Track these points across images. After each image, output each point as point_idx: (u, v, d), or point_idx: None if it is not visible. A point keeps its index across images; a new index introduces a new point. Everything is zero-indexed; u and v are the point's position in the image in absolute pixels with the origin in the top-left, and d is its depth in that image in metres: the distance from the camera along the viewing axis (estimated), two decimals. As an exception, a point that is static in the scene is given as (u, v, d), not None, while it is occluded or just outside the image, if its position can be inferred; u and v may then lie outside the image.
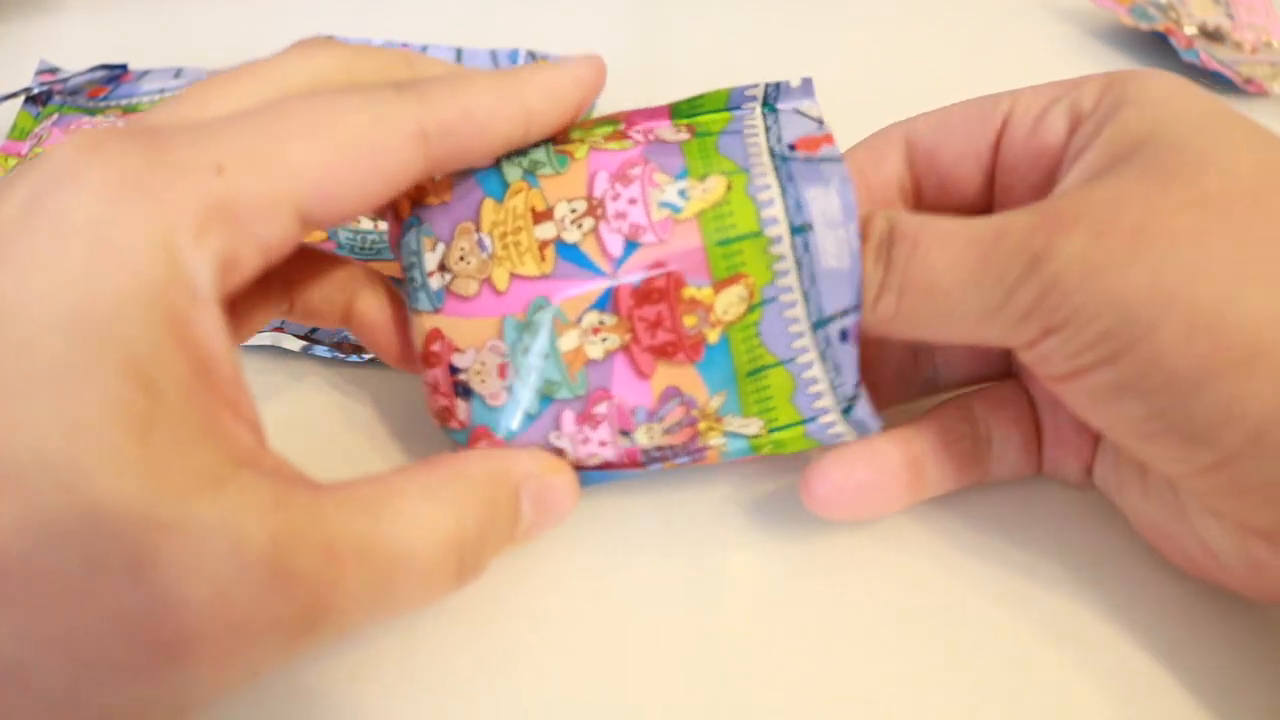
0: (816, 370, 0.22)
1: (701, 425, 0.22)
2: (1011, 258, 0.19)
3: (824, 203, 0.21)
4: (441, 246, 0.22)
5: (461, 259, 0.22)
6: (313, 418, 0.27)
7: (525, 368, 0.22)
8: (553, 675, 0.21)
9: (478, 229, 0.22)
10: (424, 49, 0.40)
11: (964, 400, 0.24)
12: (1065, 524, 0.24)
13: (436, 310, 0.22)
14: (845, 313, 0.21)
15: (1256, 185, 0.18)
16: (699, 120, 0.23)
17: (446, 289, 0.22)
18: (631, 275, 0.22)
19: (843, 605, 0.23)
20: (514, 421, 0.22)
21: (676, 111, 0.23)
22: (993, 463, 0.24)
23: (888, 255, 0.20)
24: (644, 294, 0.22)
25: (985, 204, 0.24)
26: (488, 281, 0.22)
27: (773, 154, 0.22)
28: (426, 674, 0.21)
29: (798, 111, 0.23)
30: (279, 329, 0.28)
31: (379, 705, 0.21)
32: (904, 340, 0.23)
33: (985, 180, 0.24)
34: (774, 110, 0.23)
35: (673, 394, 0.22)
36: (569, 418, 0.22)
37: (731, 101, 0.23)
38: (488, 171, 0.22)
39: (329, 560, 0.16)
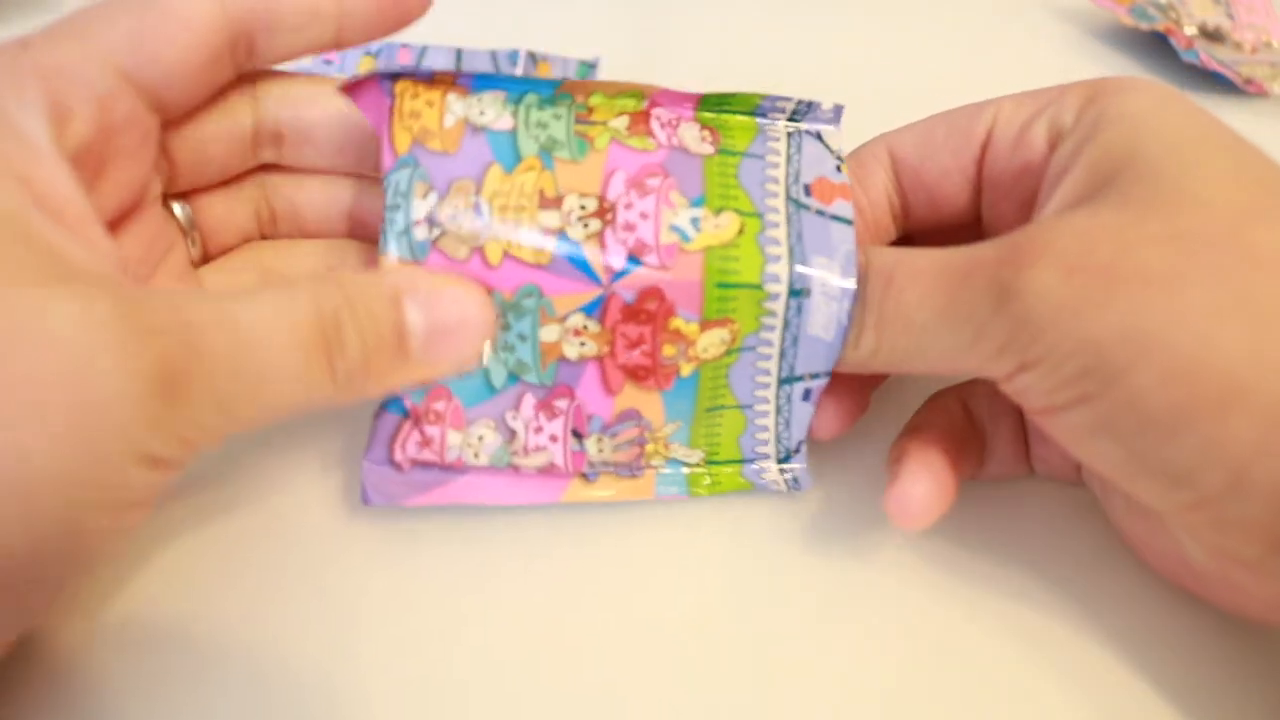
0: (769, 420, 0.23)
1: (649, 448, 0.23)
2: (981, 293, 0.19)
3: (826, 273, 0.22)
4: (434, 197, 0.21)
5: (454, 218, 0.21)
6: (312, 416, 0.27)
7: (502, 344, 0.22)
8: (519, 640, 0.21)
9: (477, 192, 0.21)
10: (424, 50, 0.40)
11: (959, 393, 0.24)
12: (1051, 536, 0.24)
13: (417, 262, 0.21)
14: (815, 375, 0.22)
15: (1234, 219, 0.18)
16: (725, 120, 0.23)
17: (433, 243, 0.21)
18: (626, 291, 0.22)
19: (830, 622, 0.23)
20: (478, 390, 0.22)
21: (704, 102, 0.23)
22: (987, 459, 0.24)
23: (863, 293, 0.21)
24: (633, 312, 0.22)
25: (975, 217, 0.24)
26: (480, 251, 0.21)
27: (789, 196, 0.22)
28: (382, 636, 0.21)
29: (820, 138, 0.23)
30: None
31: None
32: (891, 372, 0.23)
33: (973, 194, 0.24)
34: (797, 125, 0.23)
35: (632, 415, 0.23)
36: (529, 401, 0.22)
37: (760, 109, 0.23)
38: (501, 136, 0.22)
39: (182, 323, 0.17)
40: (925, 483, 0.21)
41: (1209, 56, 0.43)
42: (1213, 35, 0.45)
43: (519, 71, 0.40)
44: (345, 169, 0.24)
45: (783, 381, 0.23)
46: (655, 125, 0.23)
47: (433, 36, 0.42)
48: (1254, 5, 0.47)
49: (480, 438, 0.22)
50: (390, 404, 0.22)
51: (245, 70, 0.22)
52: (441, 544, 0.23)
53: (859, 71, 0.43)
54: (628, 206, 0.22)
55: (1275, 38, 0.46)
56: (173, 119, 0.21)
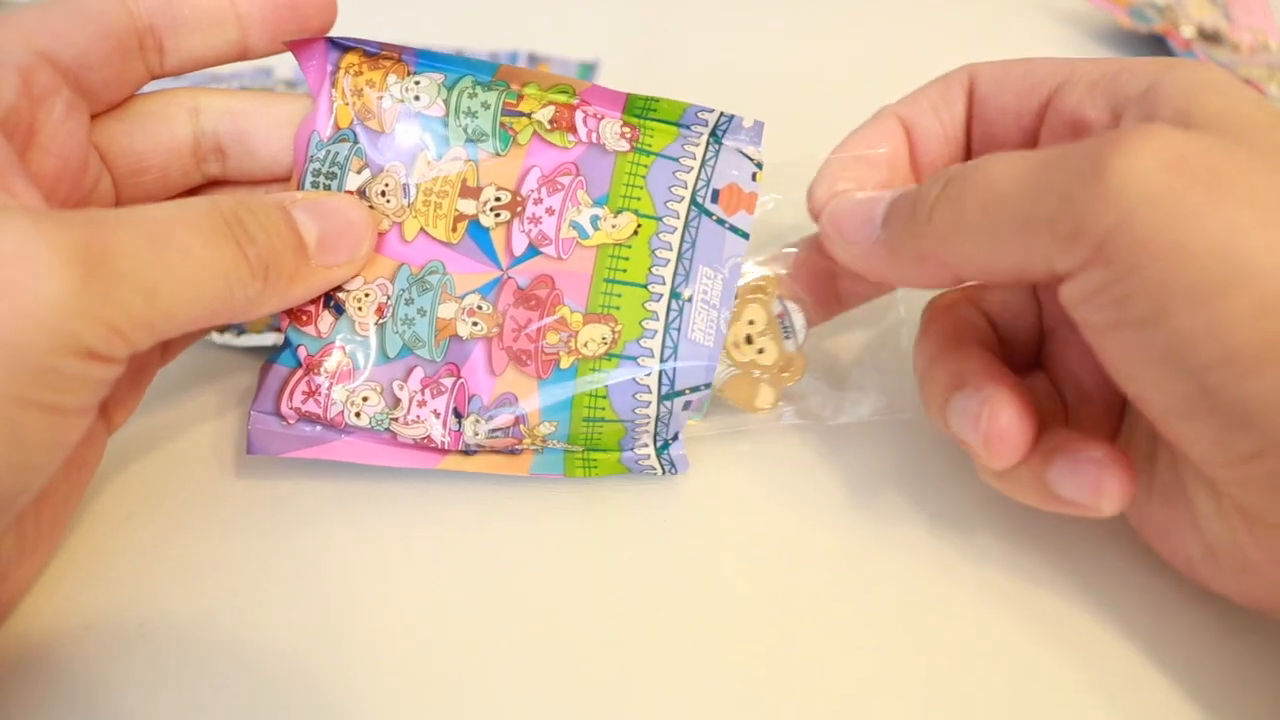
0: (650, 424, 0.24)
1: (526, 441, 0.24)
2: (1074, 166, 0.17)
3: (709, 284, 0.23)
4: (367, 173, 0.24)
5: (383, 194, 0.24)
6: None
7: (403, 316, 0.24)
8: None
9: (407, 175, 0.24)
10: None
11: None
12: (1065, 530, 0.24)
13: None
14: (696, 389, 0.23)
15: None
16: (648, 125, 0.24)
17: None
18: (521, 276, 0.24)
19: (840, 601, 0.23)
20: (371, 355, 0.24)
21: (631, 104, 0.24)
22: None
23: (947, 177, 0.20)
24: (525, 297, 0.24)
25: None
26: (399, 227, 0.24)
27: (694, 199, 0.24)
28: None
29: (740, 151, 0.24)
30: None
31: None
32: (956, 275, 0.21)
33: (1024, 142, 0.24)
34: (719, 142, 0.24)
35: (509, 399, 0.23)
36: (418, 375, 0.24)
37: (684, 118, 0.24)
38: (433, 122, 0.24)
39: (94, 218, 0.18)
40: (1018, 417, 0.20)
41: (1207, 58, 0.43)
42: (1210, 37, 0.45)
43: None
44: (288, 175, 0.25)
45: (664, 398, 0.23)
46: (579, 119, 0.24)
47: (434, 37, 0.42)
48: (1251, 7, 0.47)
49: (364, 398, 0.23)
50: (282, 356, 0.24)
51: (159, 73, 0.23)
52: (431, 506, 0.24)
53: (857, 72, 0.43)
54: (537, 201, 0.24)
55: (1273, 39, 0.46)
56: (99, 108, 0.22)
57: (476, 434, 0.23)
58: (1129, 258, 0.17)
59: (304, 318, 0.23)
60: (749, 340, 0.25)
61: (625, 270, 0.23)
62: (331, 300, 0.23)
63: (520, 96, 0.24)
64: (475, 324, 0.23)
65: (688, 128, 0.24)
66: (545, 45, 0.41)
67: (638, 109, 0.24)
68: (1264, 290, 0.16)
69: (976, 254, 0.20)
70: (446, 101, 0.24)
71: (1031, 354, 0.25)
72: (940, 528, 0.24)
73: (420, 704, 0.20)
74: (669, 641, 0.22)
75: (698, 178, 0.24)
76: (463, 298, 0.23)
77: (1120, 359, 0.18)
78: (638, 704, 0.21)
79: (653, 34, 0.45)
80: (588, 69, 0.41)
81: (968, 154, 0.25)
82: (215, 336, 0.28)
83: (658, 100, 0.24)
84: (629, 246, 0.24)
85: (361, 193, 0.23)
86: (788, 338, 0.25)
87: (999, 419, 0.20)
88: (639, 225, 0.24)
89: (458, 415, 0.23)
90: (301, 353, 0.23)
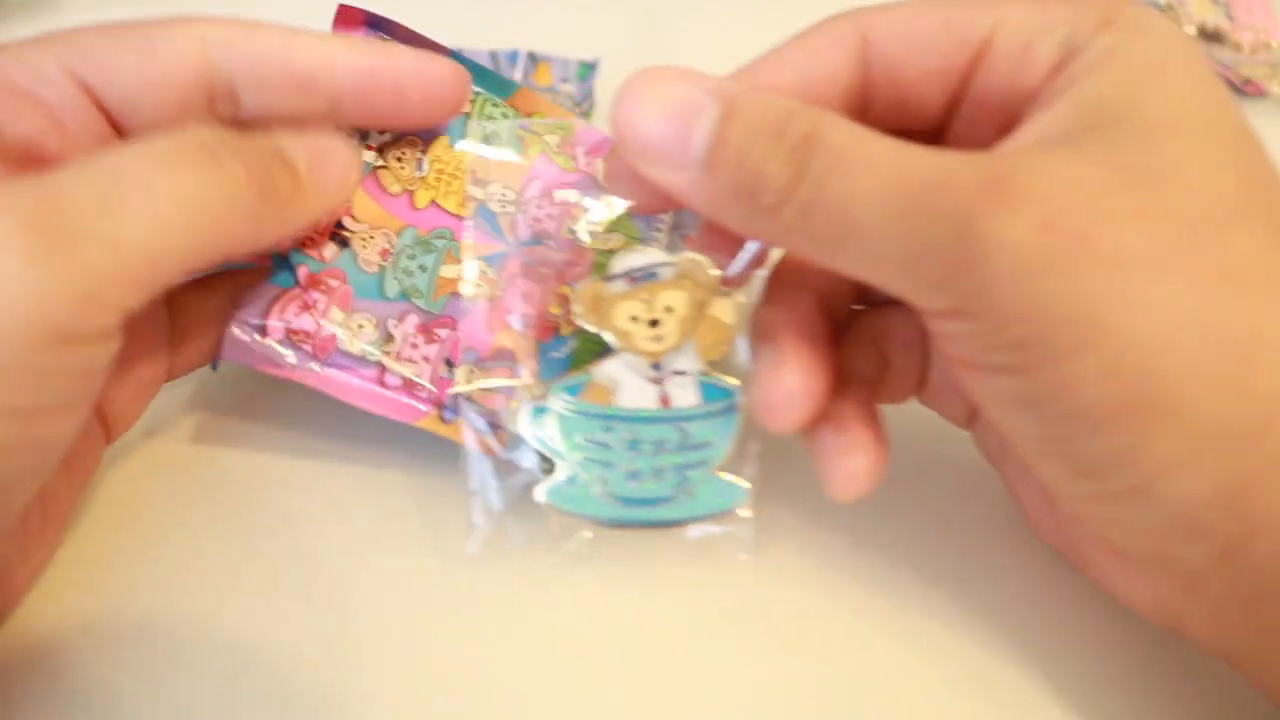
0: None
1: (514, 403, 0.23)
2: (943, 217, 0.17)
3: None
4: (389, 136, 0.25)
5: (399, 160, 0.25)
6: (306, 417, 0.27)
7: (404, 268, 0.24)
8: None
9: (424, 150, 0.25)
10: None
11: (864, 320, 0.23)
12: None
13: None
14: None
15: (1219, 215, 0.17)
16: None
17: (374, 168, 0.25)
18: (527, 256, 0.24)
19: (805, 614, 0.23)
20: (370, 289, 0.24)
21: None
22: (886, 387, 0.23)
23: (801, 161, 0.17)
24: (529, 271, 0.24)
25: (938, 128, 0.22)
26: (410, 194, 0.25)
27: (671, 233, 0.25)
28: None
29: None
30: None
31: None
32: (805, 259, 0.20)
33: (948, 104, 0.21)
34: None
35: (506, 355, 0.24)
36: (413, 320, 0.24)
37: None
38: (456, 118, 0.25)
39: (38, 185, 0.17)
40: (869, 456, 0.20)
41: (1208, 57, 0.43)
42: (1212, 36, 0.45)
43: (518, 73, 0.40)
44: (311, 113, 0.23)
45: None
46: (579, 152, 0.25)
47: (433, 36, 0.42)
48: (1253, 6, 0.47)
49: (360, 325, 0.24)
50: (279, 276, 0.24)
51: (223, 119, 0.21)
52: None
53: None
54: (539, 207, 0.25)
55: (1274, 38, 0.46)
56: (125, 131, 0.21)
57: (471, 379, 0.23)
58: (991, 318, 0.17)
59: (309, 244, 0.24)
60: (654, 324, 0.22)
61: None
62: (337, 235, 0.24)
63: (530, 127, 0.25)
64: (478, 285, 0.24)
65: None
66: (545, 45, 0.41)
67: None
68: (1114, 353, 0.16)
69: (822, 261, 0.19)
70: (472, 101, 0.25)
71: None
72: (909, 535, 0.24)
73: (419, 703, 0.20)
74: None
75: (672, 221, 0.25)
76: (467, 262, 0.24)
77: (976, 391, 0.19)
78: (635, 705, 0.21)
79: (653, 34, 0.45)
80: (588, 68, 0.41)
81: (861, 119, 0.20)
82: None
83: None
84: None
85: (380, 150, 0.25)
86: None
87: (781, 386, 0.20)
88: (628, 243, 0.25)
89: (449, 365, 0.24)
90: (302, 271, 0.24)
